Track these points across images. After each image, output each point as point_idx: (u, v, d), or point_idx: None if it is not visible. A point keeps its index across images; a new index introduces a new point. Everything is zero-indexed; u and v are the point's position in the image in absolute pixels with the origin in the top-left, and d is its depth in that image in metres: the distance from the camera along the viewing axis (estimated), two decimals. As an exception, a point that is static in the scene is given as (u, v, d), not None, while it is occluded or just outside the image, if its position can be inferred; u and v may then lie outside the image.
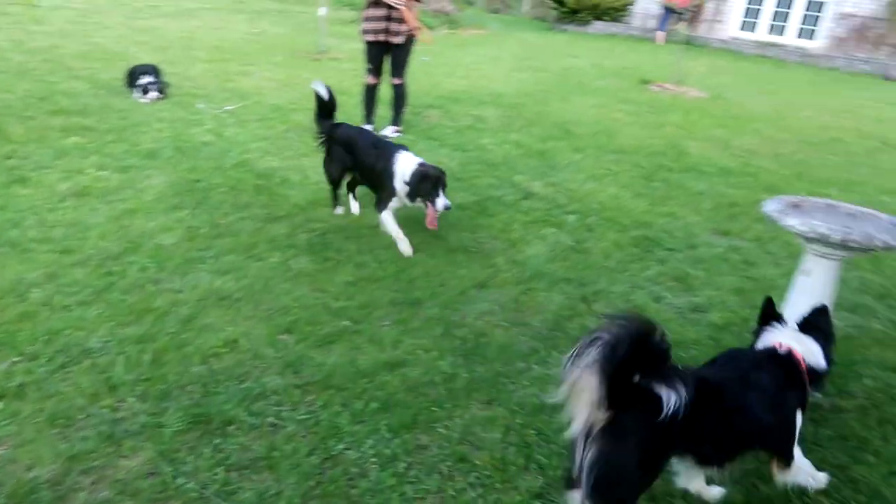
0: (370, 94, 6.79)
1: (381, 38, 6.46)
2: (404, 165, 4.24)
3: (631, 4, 20.58)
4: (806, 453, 2.46)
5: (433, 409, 2.77)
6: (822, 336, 2.38)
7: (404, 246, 4.27)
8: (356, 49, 12.30)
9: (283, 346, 3.12)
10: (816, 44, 18.66)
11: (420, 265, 4.13)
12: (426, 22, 16.13)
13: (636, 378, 1.79)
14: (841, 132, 9.53)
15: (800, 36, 19.06)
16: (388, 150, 4.38)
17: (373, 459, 2.44)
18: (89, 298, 3.34)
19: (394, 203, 4.36)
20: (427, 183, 4.17)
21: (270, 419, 2.61)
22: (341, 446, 2.50)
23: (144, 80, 7.28)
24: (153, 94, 7.25)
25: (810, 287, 3.03)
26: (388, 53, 6.61)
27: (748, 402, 2.10)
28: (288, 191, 5.14)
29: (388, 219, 4.36)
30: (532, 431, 2.68)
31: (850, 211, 3.10)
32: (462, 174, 5.83)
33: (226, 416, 2.58)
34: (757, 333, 2.46)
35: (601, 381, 1.70)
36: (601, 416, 1.78)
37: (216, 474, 2.31)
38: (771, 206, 3.01)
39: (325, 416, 2.65)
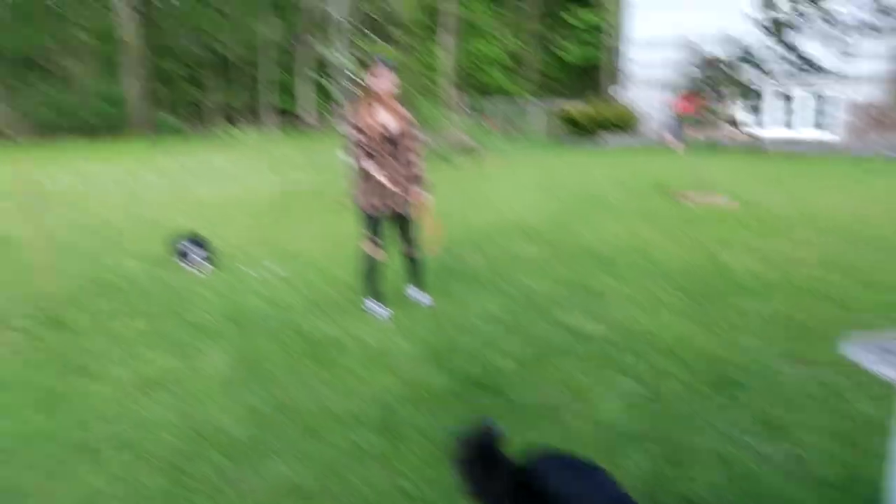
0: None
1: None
2: None
3: (636, 122, 21.28)
4: None
5: None
6: None
7: None
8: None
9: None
10: (833, 135, 19.03)
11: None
12: (445, 157, 16.77)
13: None
14: (880, 227, 9.44)
15: (816, 127, 19.48)
16: None
17: None
18: (163, 508, 3.25)
19: None
20: None
21: None
22: None
23: (191, 249, 7.52)
24: (201, 264, 7.46)
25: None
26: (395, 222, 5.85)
27: None
28: (344, 358, 5.11)
29: None
30: None
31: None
32: (509, 320, 5.78)
33: None
34: None
35: None
36: None
37: None
38: (863, 357, 2.89)
39: None
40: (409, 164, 5.62)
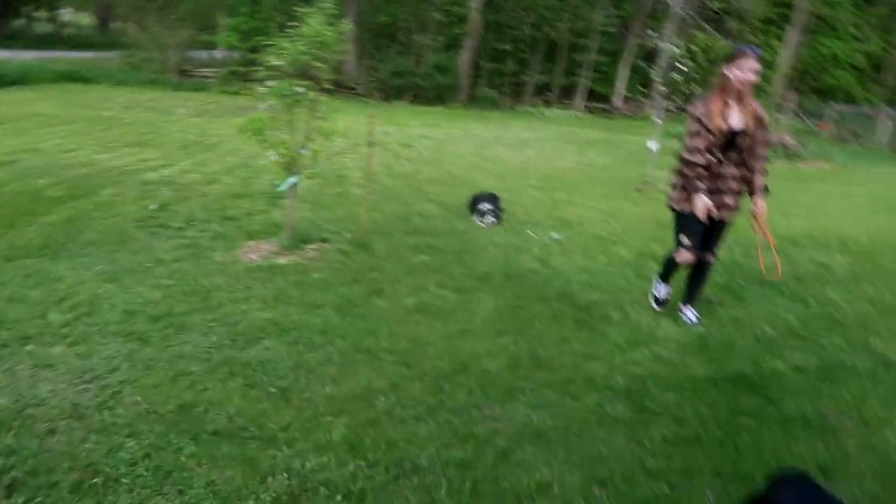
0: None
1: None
2: None
3: None
4: None
5: None
6: None
7: None
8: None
9: (597, 501, 2.99)
10: None
11: (748, 431, 3.71)
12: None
13: None
14: None
15: None
16: None
17: None
18: (422, 414, 3.64)
19: None
20: None
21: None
22: None
23: (484, 206, 8.08)
24: (490, 220, 7.98)
25: None
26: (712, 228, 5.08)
27: None
28: (607, 328, 5.11)
29: None
30: None
31: None
32: (803, 331, 5.20)
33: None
34: None
35: None
36: None
37: None
38: None
39: None
40: (752, 170, 4.88)
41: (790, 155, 17.05)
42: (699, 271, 5.31)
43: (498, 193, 8.58)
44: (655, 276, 5.57)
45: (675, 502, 3.04)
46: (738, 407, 3.97)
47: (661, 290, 5.51)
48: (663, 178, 12.18)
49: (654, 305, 5.54)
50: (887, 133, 23.69)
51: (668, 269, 5.40)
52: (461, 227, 7.80)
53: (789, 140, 17.81)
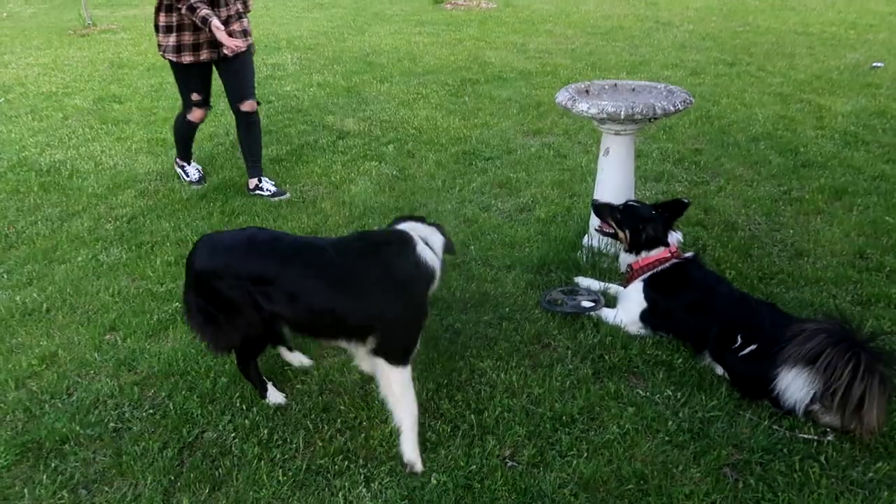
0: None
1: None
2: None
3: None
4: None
5: (286, 367, 2.71)
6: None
7: (415, 454, 2.22)
8: (128, 17, 11.24)
9: (112, 346, 2.87)
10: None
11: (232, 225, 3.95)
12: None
13: None
14: (621, 19, 10.18)
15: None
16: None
17: (232, 434, 2.35)
18: None
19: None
20: None
21: (112, 425, 2.42)
22: (196, 431, 2.38)
23: None
24: None
25: (612, 164, 3.25)
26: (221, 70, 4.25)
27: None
28: (81, 182, 4.65)
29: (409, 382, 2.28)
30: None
31: (631, 87, 3.32)
32: (271, 126, 5.57)
33: (58, 435, 2.35)
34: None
35: None
36: None
37: (61, 498, 2.11)
38: (562, 96, 3.14)
39: (172, 405, 2.49)
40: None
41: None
42: (248, 128, 4.30)
43: None
44: (176, 162, 4.66)
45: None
46: (229, 207, 4.15)
47: (193, 173, 4.60)
48: (102, 15, 11.06)
49: (193, 185, 4.54)
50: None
51: (183, 138, 4.48)
52: None
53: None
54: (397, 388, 2.21)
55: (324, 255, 2.24)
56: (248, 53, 4.14)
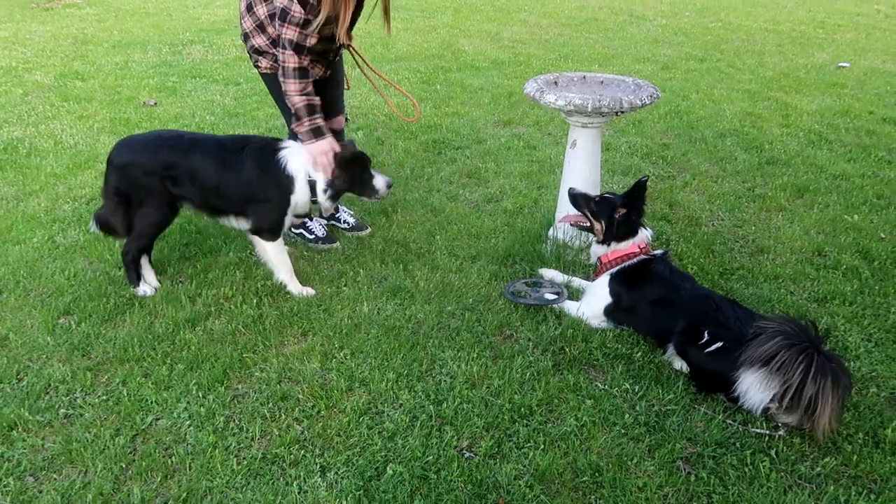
0: None
1: None
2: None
3: None
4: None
5: (245, 355, 2.67)
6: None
7: (297, 287, 3.06)
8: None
9: (65, 330, 2.80)
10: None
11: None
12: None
13: None
14: (595, 11, 10.21)
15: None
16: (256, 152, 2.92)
17: (187, 422, 2.31)
18: None
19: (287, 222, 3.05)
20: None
21: (63, 411, 2.36)
22: (150, 418, 2.33)
23: None
24: None
25: (579, 157, 3.25)
26: None
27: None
28: (39, 161, 4.53)
29: (282, 250, 3.06)
30: (349, 351, 2.68)
31: (600, 80, 3.33)
32: (239, 109, 5.49)
33: (6, 420, 2.29)
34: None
35: None
36: None
37: (7, 486, 2.06)
38: (530, 87, 3.13)
39: (126, 391, 2.44)
40: None
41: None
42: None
43: None
44: None
45: (149, 296, 3.05)
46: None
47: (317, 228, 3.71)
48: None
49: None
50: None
51: None
52: None
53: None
54: (272, 255, 3.05)
55: (219, 146, 2.94)
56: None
